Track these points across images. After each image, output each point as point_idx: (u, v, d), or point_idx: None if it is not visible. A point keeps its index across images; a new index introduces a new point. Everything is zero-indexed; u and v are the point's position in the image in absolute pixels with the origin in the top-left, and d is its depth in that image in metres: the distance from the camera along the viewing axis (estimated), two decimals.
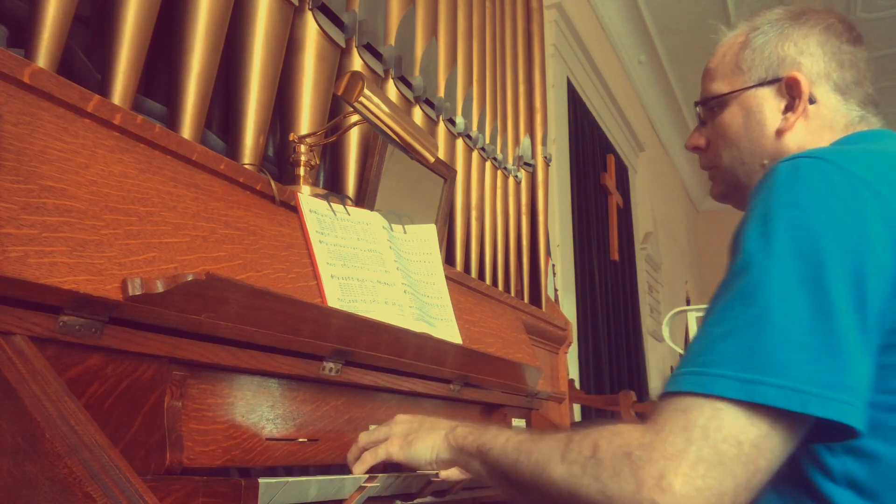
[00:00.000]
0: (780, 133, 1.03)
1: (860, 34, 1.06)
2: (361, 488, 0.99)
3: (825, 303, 0.71)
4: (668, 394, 0.74)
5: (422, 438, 1.01)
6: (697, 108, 1.14)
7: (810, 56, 1.02)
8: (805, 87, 1.00)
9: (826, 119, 1.01)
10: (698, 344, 0.75)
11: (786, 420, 0.70)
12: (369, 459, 1.03)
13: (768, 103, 1.04)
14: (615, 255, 4.90)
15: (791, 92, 1.02)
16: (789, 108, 1.02)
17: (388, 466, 1.08)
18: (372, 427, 1.19)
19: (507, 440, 0.88)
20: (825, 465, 0.77)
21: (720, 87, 1.09)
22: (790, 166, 0.79)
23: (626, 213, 5.37)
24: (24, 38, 0.95)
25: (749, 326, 0.72)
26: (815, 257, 0.72)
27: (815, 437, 0.74)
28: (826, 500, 0.77)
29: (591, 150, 4.67)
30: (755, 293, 0.73)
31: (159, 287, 0.80)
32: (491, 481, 0.92)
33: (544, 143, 2.55)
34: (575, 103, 4.43)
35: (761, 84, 1.04)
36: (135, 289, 0.80)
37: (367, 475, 1.04)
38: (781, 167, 0.80)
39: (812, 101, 1.01)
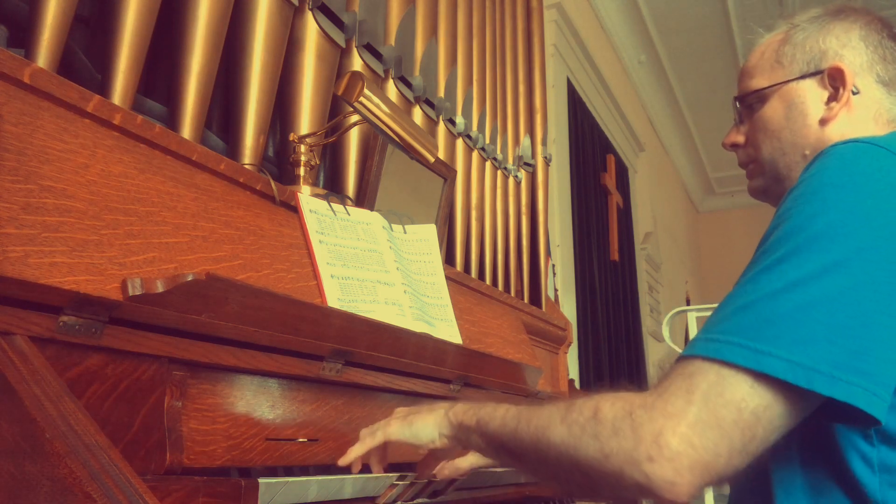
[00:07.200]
0: (823, 122, 1.01)
1: None
2: (393, 485, 0.99)
3: (859, 286, 0.69)
4: (681, 358, 0.75)
5: (422, 417, 1.01)
6: (737, 105, 1.12)
7: (852, 49, 1.01)
8: (849, 77, 1.00)
9: (870, 110, 1.01)
10: (719, 313, 0.75)
11: (790, 394, 0.70)
12: (368, 441, 1.02)
13: (811, 94, 1.03)
14: (615, 255, 4.89)
15: (834, 82, 1.01)
16: (832, 98, 1.01)
17: (389, 468, 1.07)
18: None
19: (507, 410, 0.89)
20: (862, 452, 0.76)
21: (759, 82, 1.08)
22: (847, 149, 0.78)
23: (626, 213, 5.37)
24: (24, 38, 0.95)
25: (771, 298, 0.71)
26: (859, 242, 0.71)
27: (838, 419, 0.73)
28: (860, 489, 0.76)
29: (591, 150, 4.67)
30: (786, 269, 0.72)
31: (159, 287, 0.80)
32: (490, 454, 0.93)
33: (544, 143, 2.55)
34: (575, 103, 4.43)
35: (803, 77, 1.03)
36: (135, 289, 0.80)
37: (396, 474, 1.04)
38: (837, 148, 0.79)
39: (855, 91, 1.00)
